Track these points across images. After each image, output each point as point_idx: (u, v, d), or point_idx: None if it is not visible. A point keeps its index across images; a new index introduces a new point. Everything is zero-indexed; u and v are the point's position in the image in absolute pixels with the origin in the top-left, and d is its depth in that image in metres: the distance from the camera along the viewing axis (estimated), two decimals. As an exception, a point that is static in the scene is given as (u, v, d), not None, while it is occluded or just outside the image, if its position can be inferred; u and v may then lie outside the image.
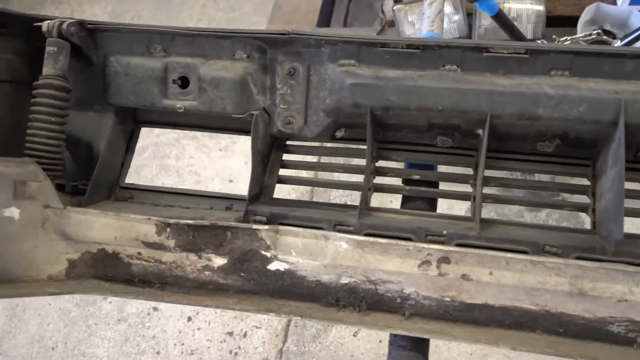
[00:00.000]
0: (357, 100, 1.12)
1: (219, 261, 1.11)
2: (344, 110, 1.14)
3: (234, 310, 1.08)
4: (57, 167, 1.12)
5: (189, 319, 2.77)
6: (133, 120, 1.32)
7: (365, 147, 1.25)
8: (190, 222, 1.05)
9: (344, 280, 1.08)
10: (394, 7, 2.59)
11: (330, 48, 1.14)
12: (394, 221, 1.12)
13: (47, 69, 1.11)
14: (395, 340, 1.07)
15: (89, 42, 1.18)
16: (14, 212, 1.06)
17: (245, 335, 2.68)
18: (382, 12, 2.82)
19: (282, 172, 1.26)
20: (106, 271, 1.15)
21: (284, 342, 2.64)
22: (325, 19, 3.00)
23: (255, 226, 1.07)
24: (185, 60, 1.19)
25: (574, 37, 2.07)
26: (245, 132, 1.33)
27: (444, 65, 1.10)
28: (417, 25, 2.56)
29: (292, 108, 1.20)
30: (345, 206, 1.22)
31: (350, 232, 1.10)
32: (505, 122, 1.08)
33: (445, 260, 1.02)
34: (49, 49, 1.12)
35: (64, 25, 1.11)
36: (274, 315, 1.08)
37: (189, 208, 1.24)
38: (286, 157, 1.27)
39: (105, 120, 1.25)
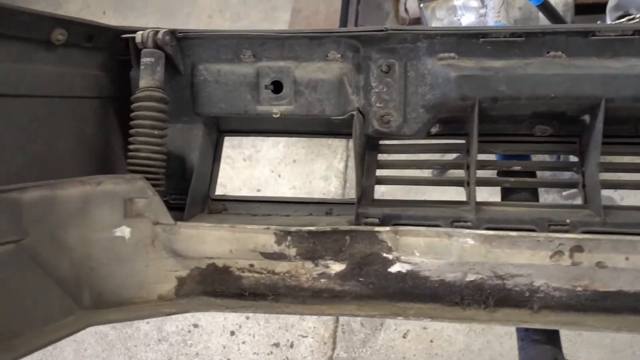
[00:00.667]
0: (465, 92, 1.09)
1: (336, 267, 1.07)
2: (449, 104, 1.12)
3: (358, 316, 1.05)
4: (161, 182, 1.08)
5: (232, 333, 2.72)
6: (217, 130, 1.28)
7: (461, 141, 1.23)
8: (312, 228, 1.01)
9: (470, 277, 1.05)
10: (421, 5, 2.58)
11: (427, 42, 1.11)
12: (512, 214, 1.09)
13: (145, 81, 1.07)
14: (527, 335, 1.05)
15: (177, 51, 1.14)
16: (124, 231, 1.02)
17: (292, 346, 2.63)
18: (406, 10, 2.81)
19: (379, 172, 1.23)
20: (215, 287, 1.10)
21: (333, 349, 2.59)
22: (345, 22, 2.98)
23: (377, 228, 1.03)
24: (277, 64, 1.16)
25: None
26: (334, 134, 1.30)
27: (548, 52, 1.08)
28: (446, 20, 2.55)
29: (389, 106, 1.17)
30: (451, 202, 1.19)
31: (469, 228, 1.08)
32: (616, 106, 1.07)
33: (578, 249, 1.00)
34: (145, 60, 1.07)
35: (159, 35, 1.07)
36: (401, 319, 1.04)
37: (289, 216, 1.21)
38: (381, 156, 1.24)
39: (195, 131, 1.21)
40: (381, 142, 1.25)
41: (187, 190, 1.18)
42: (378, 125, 1.18)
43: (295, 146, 3.22)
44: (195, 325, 2.76)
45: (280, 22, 3.82)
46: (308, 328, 2.65)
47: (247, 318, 2.73)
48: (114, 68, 1.18)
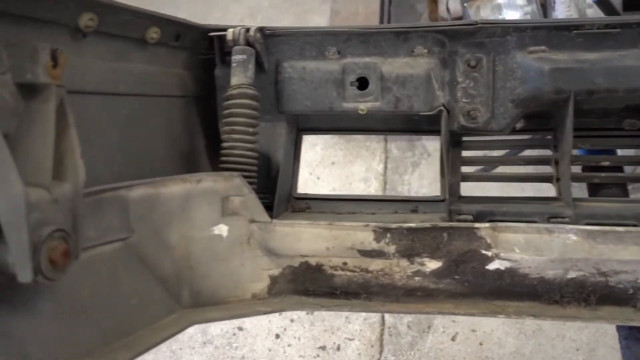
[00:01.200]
0: (560, 85, 1.07)
1: (432, 265, 1.05)
2: (541, 98, 1.10)
3: (456, 315, 1.03)
4: (254, 180, 1.07)
5: (277, 336, 2.70)
6: (297, 130, 1.27)
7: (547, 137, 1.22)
8: (412, 225, 1.00)
9: (571, 274, 1.03)
10: (465, 4, 2.56)
11: (517, 36, 1.10)
12: (610, 209, 1.07)
13: (238, 78, 1.06)
14: (631, 333, 1.02)
15: (264, 48, 1.13)
16: (222, 229, 1.01)
17: (338, 349, 2.61)
18: (448, 9, 2.79)
19: (464, 169, 1.21)
20: (306, 285, 1.09)
21: (381, 352, 2.57)
22: (383, 22, 2.96)
23: (476, 225, 1.02)
24: (362, 60, 1.15)
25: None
26: (415, 131, 1.29)
27: None
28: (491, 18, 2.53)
29: (475, 101, 1.15)
30: (542, 199, 1.17)
31: (567, 224, 1.06)
32: None
33: (686, 244, 0.97)
34: (237, 57, 1.07)
35: (251, 32, 1.07)
36: (502, 317, 1.02)
37: (374, 214, 1.19)
38: (465, 153, 1.23)
39: (278, 130, 1.20)
40: (464, 138, 1.24)
41: (271, 189, 1.18)
42: (464, 120, 1.16)
43: (333, 148, 3.20)
44: (240, 328, 2.75)
45: (314, 24, 3.82)
46: (355, 331, 2.63)
47: (292, 321, 2.71)
48: (197, 67, 1.18)
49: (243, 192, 1.01)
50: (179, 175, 0.96)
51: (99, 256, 0.82)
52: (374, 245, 1.01)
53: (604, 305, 1.03)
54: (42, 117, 0.65)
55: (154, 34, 1.02)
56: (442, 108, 1.13)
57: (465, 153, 1.22)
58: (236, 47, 1.07)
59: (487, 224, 1.02)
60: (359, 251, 1.02)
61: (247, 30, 1.07)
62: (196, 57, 1.18)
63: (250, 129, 1.05)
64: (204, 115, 1.21)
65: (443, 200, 1.19)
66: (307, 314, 2.69)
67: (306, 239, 1.03)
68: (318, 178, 3.17)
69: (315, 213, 1.20)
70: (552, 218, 1.07)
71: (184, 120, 1.16)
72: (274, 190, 1.18)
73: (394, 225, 0.99)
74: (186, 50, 1.15)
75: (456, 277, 1.06)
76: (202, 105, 1.21)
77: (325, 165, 3.19)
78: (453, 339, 2.54)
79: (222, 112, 1.08)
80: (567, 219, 1.06)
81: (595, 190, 1.20)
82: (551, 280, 1.04)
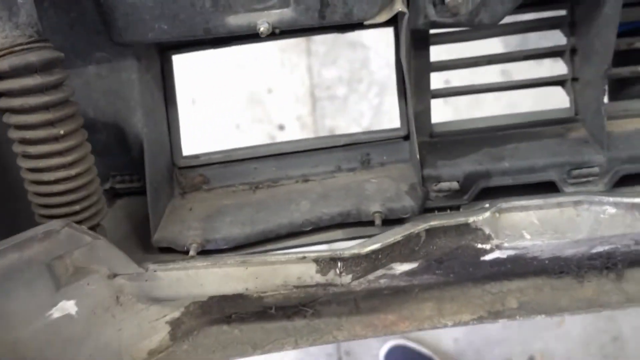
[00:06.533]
0: None
1: (403, 267, 0.72)
2: None
3: (440, 326, 0.74)
4: (98, 208, 0.62)
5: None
6: (158, 52, 0.75)
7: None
8: (377, 246, 0.62)
9: (597, 249, 0.72)
10: None
11: None
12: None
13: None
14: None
15: None
16: (66, 306, 0.60)
17: None
18: None
19: (434, 80, 0.78)
20: (225, 312, 0.75)
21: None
22: None
23: (472, 219, 0.65)
24: None
25: None
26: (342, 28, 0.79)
27: None
28: None
29: None
30: (559, 122, 0.79)
31: (596, 175, 0.71)
32: None
33: None
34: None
35: None
36: (502, 319, 0.73)
37: (307, 180, 0.78)
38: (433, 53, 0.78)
39: (124, 70, 0.69)
40: (432, 30, 0.77)
41: (136, 166, 0.73)
42: (436, 13, 0.69)
43: None
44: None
45: None
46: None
47: None
48: None
49: (81, 242, 0.58)
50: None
51: None
52: (318, 279, 0.64)
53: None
54: None
55: None
56: (400, 9, 0.64)
57: (433, 53, 0.77)
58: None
59: (487, 213, 0.66)
60: (296, 287, 0.66)
61: None
62: None
63: (62, 131, 0.55)
64: None
65: (405, 138, 0.79)
66: None
67: (212, 281, 0.64)
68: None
69: (219, 192, 0.78)
70: (575, 169, 0.71)
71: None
72: (141, 165, 0.73)
73: (347, 254, 0.61)
74: None
75: (438, 272, 0.74)
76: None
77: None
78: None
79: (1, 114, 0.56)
80: (596, 169, 0.70)
81: (620, 89, 0.81)
82: (569, 257, 0.74)
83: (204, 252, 0.70)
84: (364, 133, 0.79)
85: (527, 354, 2.09)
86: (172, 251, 0.72)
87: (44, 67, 0.52)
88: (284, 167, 0.79)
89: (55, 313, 0.60)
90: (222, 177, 0.79)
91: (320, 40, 2.33)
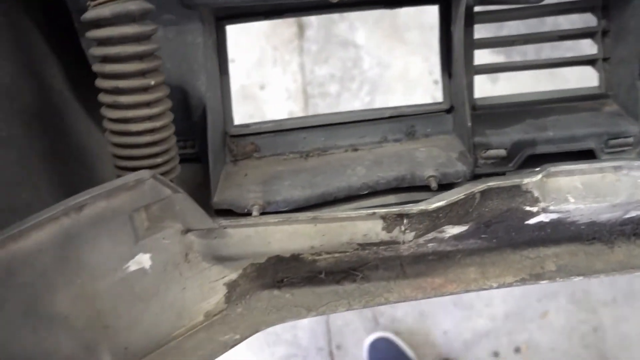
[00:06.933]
0: None
1: (454, 230, 0.75)
2: None
3: (486, 288, 0.77)
4: (174, 164, 0.63)
5: None
6: (215, 21, 0.77)
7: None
8: (442, 203, 0.65)
9: (631, 214, 0.78)
10: None
11: None
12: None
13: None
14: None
15: None
16: (142, 260, 0.61)
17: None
18: None
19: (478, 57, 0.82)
20: (277, 276, 0.76)
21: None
22: None
23: (525, 180, 0.69)
24: None
25: None
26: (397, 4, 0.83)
27: None
28: None
29: None
30: (577, 99, 0.84)
31: (630, 145, 0.77)
32: None
33: None
34: None
35: None
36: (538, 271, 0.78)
37: (357, 150, 0.81)
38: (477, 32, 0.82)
39: (189, 35, 0.71)
40: (477, 8, 0.81)
41: (195, 131, 0.74)
42: None
43: None
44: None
45: None
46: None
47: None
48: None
49: (162, 194, 0.59)
50: (42, 213, 0.51)
51: None
52: (383, 236, 0.67)
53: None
54: None
55: None
56: None
57: (477, 32, 0.82)
58: None
59: (539, 176, 0.70)
60: (360, 245, 0.68)
61: None
62: None
63: (152, 82, 0.56)
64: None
65: (448, 112, 0.82)
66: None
67: (279, 239, 0.66)
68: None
69: (271, 160, 0.80)
70: (612, 140, 0.76)
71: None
72: (197, 131, 0.74)
73: (415, 209, 0.64)
74: None
75: (483, 235, 0.77)
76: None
77: None
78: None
79: (93, 62, 0.57)
80: (630, 139, 0.76)
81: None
82: (604, 222, 0.79)
83: (264, 214, 0.72)
84: (408, 106, 0.83)
85: (513, 345, 2.16)
86: (231, 214, 0.73)
87: (141, 17, 0.53)
88: (332, 137, 0.81)
89: (132, 266, 0.60)
90: (273, 145, 0.80)
91: (313, 39, 2.36)
